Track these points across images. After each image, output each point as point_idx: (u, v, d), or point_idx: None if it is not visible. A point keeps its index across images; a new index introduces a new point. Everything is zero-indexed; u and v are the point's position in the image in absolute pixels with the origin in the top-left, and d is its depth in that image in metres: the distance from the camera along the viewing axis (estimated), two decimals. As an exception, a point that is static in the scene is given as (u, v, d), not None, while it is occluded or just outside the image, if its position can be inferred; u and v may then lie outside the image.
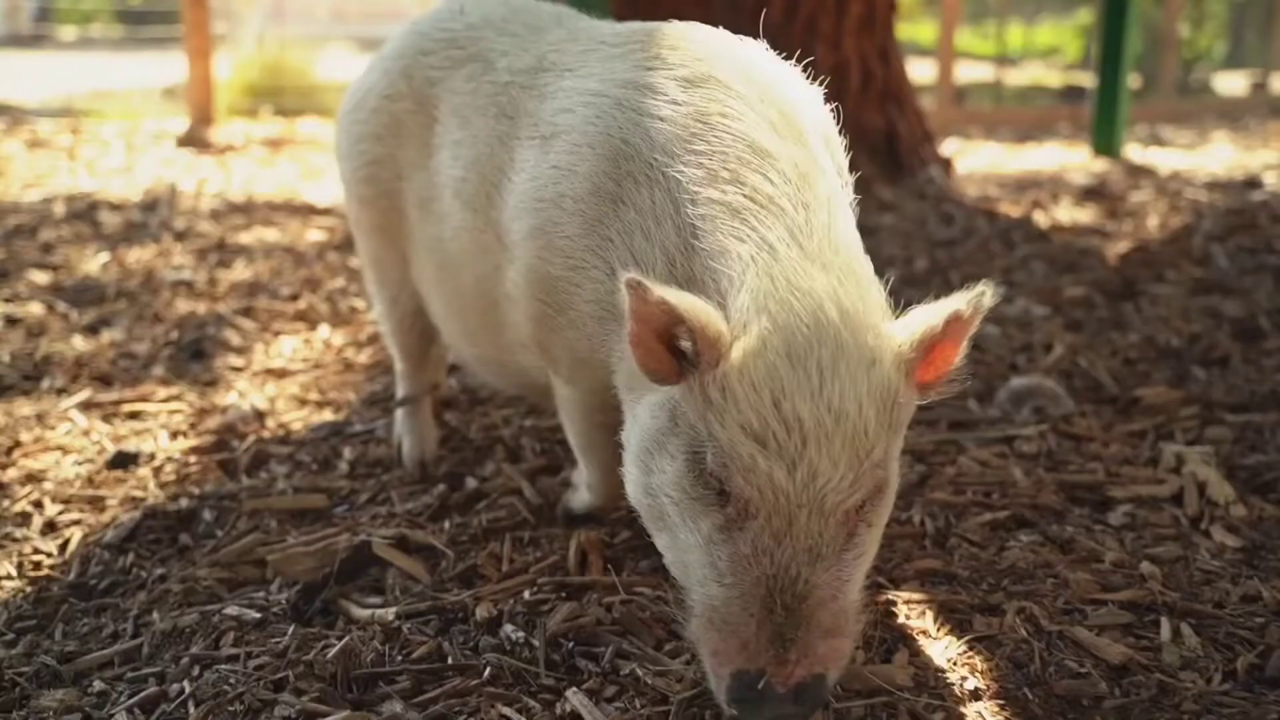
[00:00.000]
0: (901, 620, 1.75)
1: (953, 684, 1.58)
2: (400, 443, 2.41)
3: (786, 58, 5.60)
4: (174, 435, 2.55)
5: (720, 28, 5.85)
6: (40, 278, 3.88)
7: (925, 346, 1.39)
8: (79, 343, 3.20)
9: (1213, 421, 2.58)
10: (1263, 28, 16.53)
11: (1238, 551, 1.97)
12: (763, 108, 1.58)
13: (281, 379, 2.93)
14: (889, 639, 1.70)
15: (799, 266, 1.40)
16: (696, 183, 1.52)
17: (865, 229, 4.72)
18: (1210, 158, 7.31)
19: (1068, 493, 2.22)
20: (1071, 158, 7.20)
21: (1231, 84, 14.81)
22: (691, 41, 1.76)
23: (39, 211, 5.01)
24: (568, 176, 1.69)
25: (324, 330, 3.35)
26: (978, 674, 1.60)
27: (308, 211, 5.21)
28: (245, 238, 4.59)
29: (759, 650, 1.31)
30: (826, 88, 5.87)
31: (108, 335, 3.28)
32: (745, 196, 1.48)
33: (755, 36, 5.72)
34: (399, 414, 2.44)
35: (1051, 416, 2.58)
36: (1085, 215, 5.08)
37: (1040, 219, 4.95)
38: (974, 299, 1.37)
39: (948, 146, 7.73)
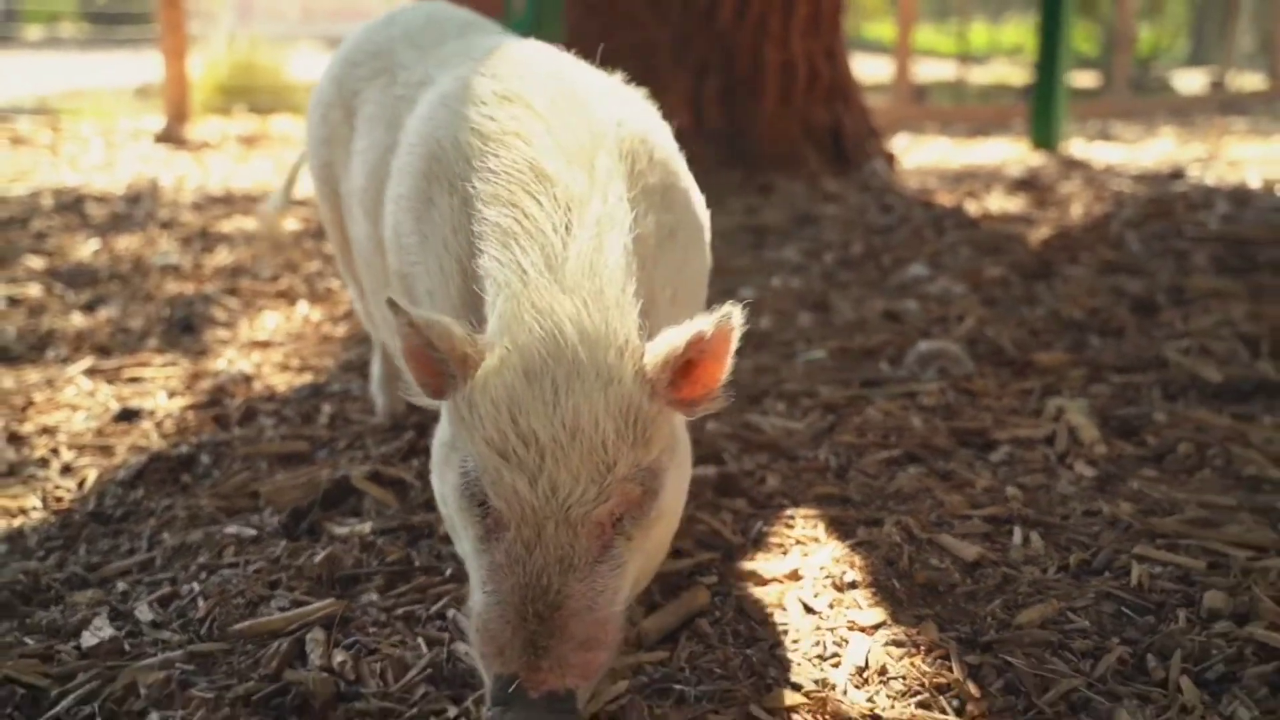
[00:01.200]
0: (797, 531, 2.07)
1: (834, 576, 1.90)
2: (375, 400, 2.72)
3: (737, 56, 6.03)
4: (171, 395, 2.86)
5: (674, 30, 6.23)
6: (36, 263, 4.17)
7: (675, 366, 1.44)
8: (77, 319, 3.50)
9: (1097, 380, 2.91)
10: (1222, 27, 16.98)
11: (1092, 480, 2.30)
12: (560, 132, 1.65)
13: (265, 349, 3.23)
14: (785, 544, 2.03)
15: (545, 291, 1.45)
16: (483, 199, 1.58)
17: (809, 218, 5.05)
18: (1148, 152, 7.68)
19: (958, 436, 2.54)
20: (1014, 152, 7.56)
21: (1191, 82, 15.23)
22: (522, 61, 1.86)
23: (28, 204, 5.29)
24: (404, 177, 1.79)
25: (303, 307, 3.67)
26: (855, 569, 1.93)
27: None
28: (226, 226, 4.89)
29: (513, 656, 1.36)
30: (777, 85, 6.26)
31: (104, 313, 3.57)
32: (515, 220, 1.53)
33: (708, 37, 6.07)
34: (374, 375, 2.75)
35: (952, 376, 2.91)
36: (1014, 204, 5.44)
37: (972, 208, 5.30)
38: (719, 320, 1.42)
39: (898, 142, 8.09)
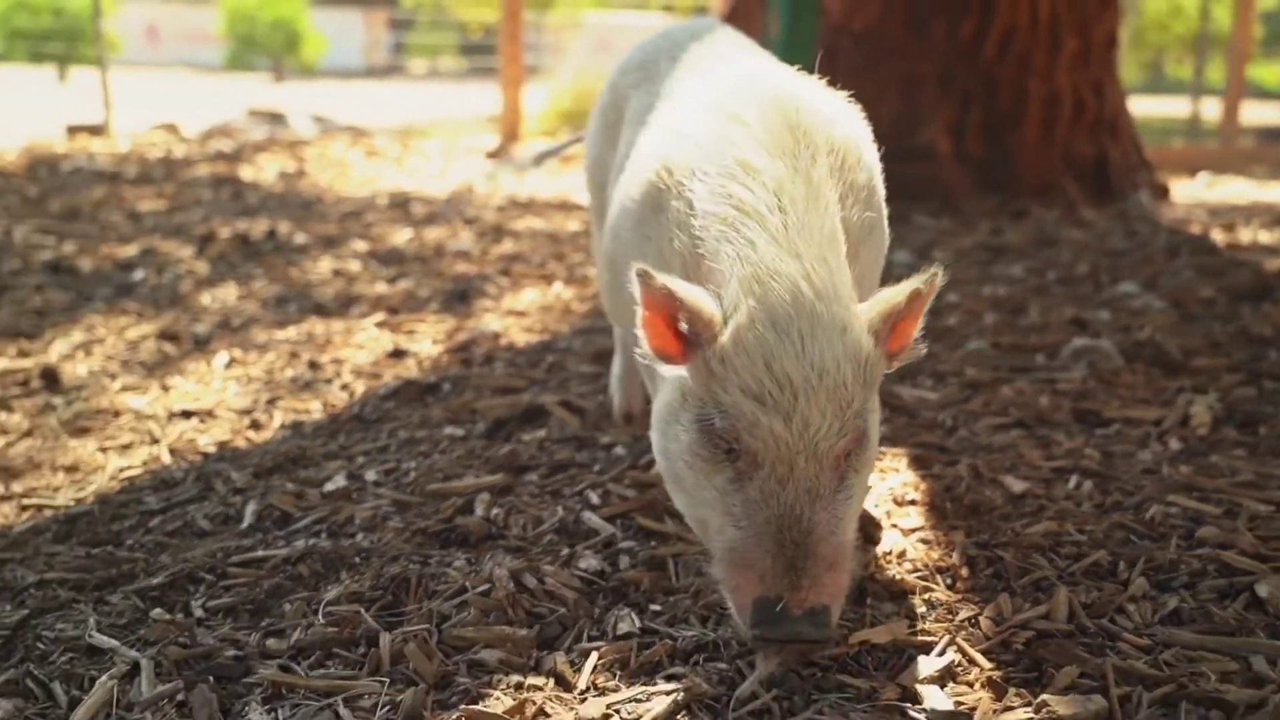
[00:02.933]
0: (884, 464, 2.49)
1: (898, 495, 2.31)
2: (613, 396, 2.84)
3: (1000, 89, 6.44)
4: (434, 342, 3.56)
5: (938, 62, 6.58)
6: (361, 246, 5.05)
7: (892, 318, 1.63)
8: (380, 288, 4.29)
9: (1248, 385, 3.10)
10: None
11: (1175, 452, 2.57)
12: (759, 132, 1.82)
13: (519, 316, 3.90)
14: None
15: (776, 256, 1.62)
16: (700, 198, 1.76)
17: (1050, 240, 5.32)
18: None
19: (1076, 414, 2.85)
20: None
21: None
22: (733, 78, 2.07)
23: (366, 202, 6.28)
24: (632, 182, 2.01)
25: (558, 287, 4.33)
26: (918, 491, 2.33)
27: (573, 208, 6.26)
28: (518, 225, 5.67)
29: (775, 580, 1.53)
30: (1039, 117, 6.59)
31: (402, 284, 4.36)
32: (732, 206, 1.71)
33: (971, 70, 6.35)
34: (614, 372, 2.92)
35: (1100, 369, 3.19)
36: (1269, 237, 5.46)
37: (1219, 238, 5.38)
38: (928, 278, 1.62)
39: (1197, 179, 8.04)
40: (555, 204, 6.41)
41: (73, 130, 9.96)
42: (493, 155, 8.71)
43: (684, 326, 1.62)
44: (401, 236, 5.30)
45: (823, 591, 1.53)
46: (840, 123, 1.96)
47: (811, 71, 2.22)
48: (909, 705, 1.61)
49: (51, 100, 12.31)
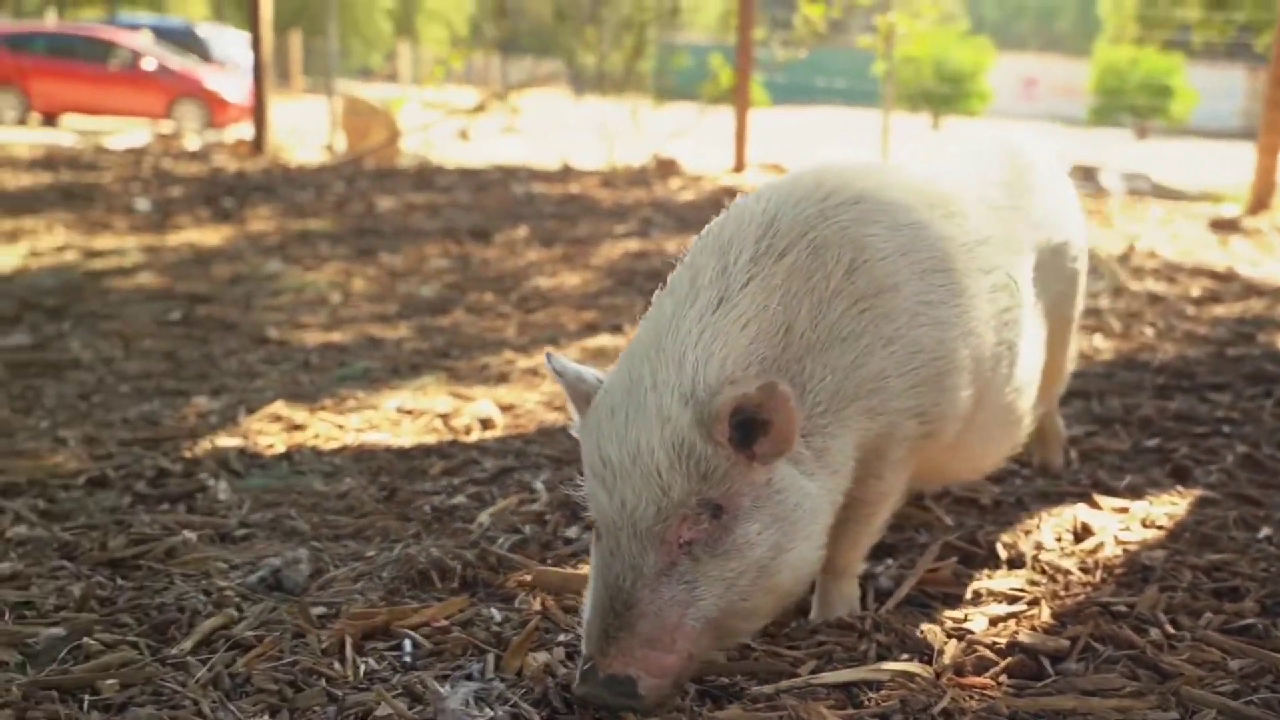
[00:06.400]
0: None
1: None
2: None
3: None
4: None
5: None
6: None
7: (722, 419, 1.63)
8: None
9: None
10: None
11: (1153, 466, 3.10)
12: (728, 225, 1.89)
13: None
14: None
15: (645, 345, 1.74)
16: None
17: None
18: None
19: (1181, 430, 3.35)
20: None
21: None
22: (815, 170, 2.06)
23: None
24: None
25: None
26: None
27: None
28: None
29: (591, 640, 1.66)
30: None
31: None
32: (655, 306, 1.83)
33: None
34: None
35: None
36: None
37: None
38: (762, 387, 1.61)
39: None
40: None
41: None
42: (1221, 226, 7.96)
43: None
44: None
45: (630, 663, 1.63)
46: (861, 224, 1.90)
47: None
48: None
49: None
